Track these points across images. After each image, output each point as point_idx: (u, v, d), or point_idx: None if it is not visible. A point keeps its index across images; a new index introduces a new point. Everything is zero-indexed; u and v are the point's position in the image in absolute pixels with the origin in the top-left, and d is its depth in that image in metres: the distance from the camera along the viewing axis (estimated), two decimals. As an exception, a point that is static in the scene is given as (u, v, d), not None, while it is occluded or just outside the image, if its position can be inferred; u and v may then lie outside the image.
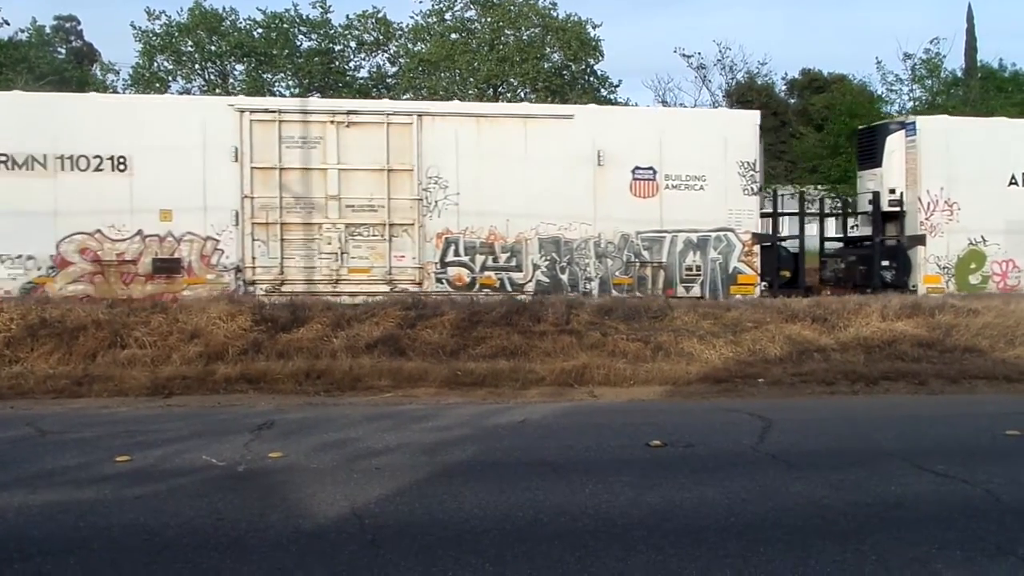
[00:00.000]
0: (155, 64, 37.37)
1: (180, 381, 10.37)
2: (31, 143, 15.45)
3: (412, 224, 16.44)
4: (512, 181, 16.55)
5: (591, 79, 39.93)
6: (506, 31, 37.87)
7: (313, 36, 38.77)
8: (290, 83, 38.27)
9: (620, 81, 44.41)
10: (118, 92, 36.52)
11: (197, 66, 38.18)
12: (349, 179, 16.23)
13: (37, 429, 8.05)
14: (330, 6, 37.96)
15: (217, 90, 36.79)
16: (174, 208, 15.77)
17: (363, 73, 40.01)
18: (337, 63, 39.13)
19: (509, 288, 16.41)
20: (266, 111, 16.31)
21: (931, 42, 37.78)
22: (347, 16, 45.55)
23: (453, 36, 38.04)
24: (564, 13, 38.65)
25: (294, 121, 16.22)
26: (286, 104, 17.34)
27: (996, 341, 12.44)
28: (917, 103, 36.75)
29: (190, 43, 37.30)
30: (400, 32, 39.61)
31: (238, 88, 37.07)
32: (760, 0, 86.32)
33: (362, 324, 12.15)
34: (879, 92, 39.17)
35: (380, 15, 39.05)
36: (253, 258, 16.07)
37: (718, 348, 11.91)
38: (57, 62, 40.74)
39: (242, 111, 16.11)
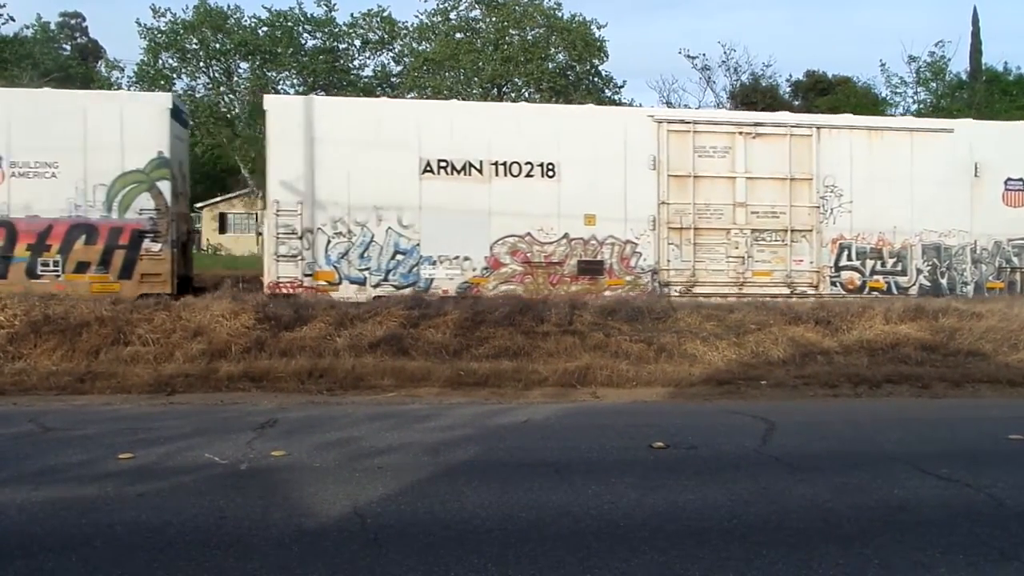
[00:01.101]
0: (160, 61, 37.44)
1: (183, 379, 10.38)
2: (469, 150, 16.22)
3: (810, 230, 17.29)
4: (898, 190, 17.39)
5: (595, 79, 39.98)
6: (511, 31, 37.92)
7: (318, 34, 38.85)
8: (294, 81, 38.32)
9: (624, 82, 44.54)
10: (121, 88, 36.56)
11: (202, 64, 38.23)
12: (754, 187, 17.10)
13: (40, 426, 8.05)
14: (335, 4, 38.15)
15: (221, 88, 36.80)
16: (597, 213, 16.57)
17: (367, 72, 40.05)
18: (342, 62, 39.18)
19: (895, 291, 17.36)
20: (681, 122, 17.17)
21: (936, 45, 37.90)
22: (352, 15, 45.65)
23: (458, 35, 38.11)
24: (569, 13, 38.78)
25: (706, 132, 17.04)
26: (699, 115, 18.31)
27: (1000, 345, 12.43)
28: (921, 106, 36.76)
29: (195, 41, 37.37)
30: (405, 31, 39.67)
31: (242, 86, 37.09)
32: (765, 1, 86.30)
33: (365, 323, 12.15)
34: (883, 95, 39.24)
35: (385, 14, 39.15)
36: (668, 261, 16.85)
37: (721, 350, 11.91)
38: (62, 59, 40.82)
39: (659, 122, 16.96)
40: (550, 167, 16.37)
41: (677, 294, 16.36)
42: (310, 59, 37.75)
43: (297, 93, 35.22)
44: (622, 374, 10.98)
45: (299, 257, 15.76)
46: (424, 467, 6.64)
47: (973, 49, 40.67)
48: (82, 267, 15.40)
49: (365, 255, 16.03)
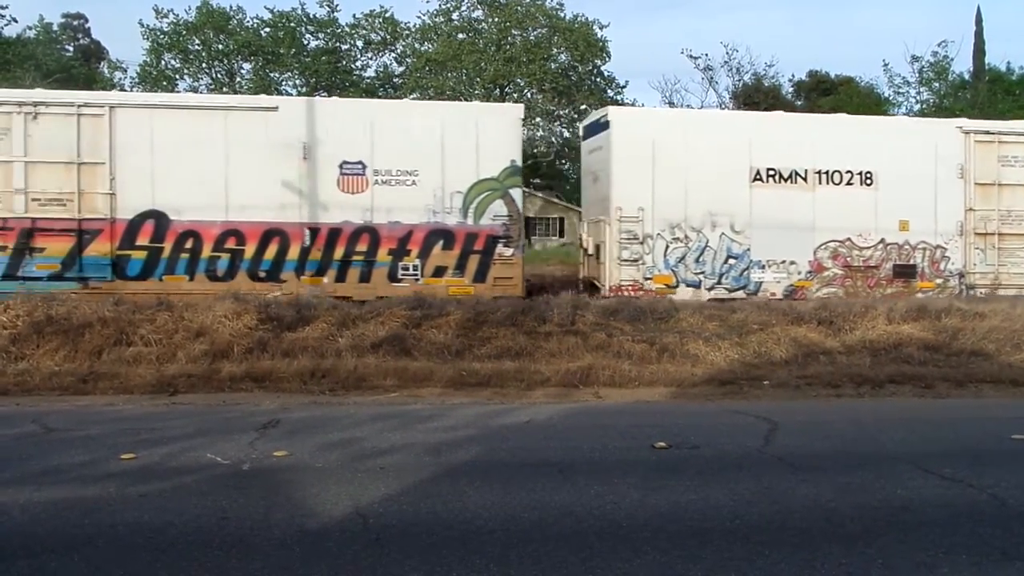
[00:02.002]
0: (162, 62, 37.48)
1: (185, 379, 10.38)
2: (794, 159, 16.93)
3: None
4: None
5: (598, 80, 40.00)
6: (513, 31, 37.96)
7: (320, 35, 38.88)
8: (297, 82, 38.34)
9: (627, 82, 44.56)
10: (124, 89, 36.59)
11: (204, 64, 38.28)
12: None
13: (42, 426, 8.06)
14: (337, 5, 38.25)
15: (224, 89, 36.84)
16: (910, 219, 17.31)
17: (370, 72, 40.09)
18: (344, 62, 39.22)
19: None
20: (987, 133, 17.81)
21: (939, 45, 37.90)
22: (354, 15, 45.72)
23: (460, 36, 38.15)
24: (571, 14, 38.84)
25: (1010, 143, 17.72)
26: (1003, 127, 18.60)
27: (1002, 345, 12.41)
28: (924, 105, 36.74)
29: (197, 42, 37.41)
30: (407, 32, 39.70)
31: (245, 86, 37.12)
32: (767, 2, 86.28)
33: (367, 323, 12.15)
34: (886, 94, 39.21)
35: (387, 15, 39.18)
36: (974, 264, 17.58)
37: (723, 350, 11.91)
38: (64, 59, 40.86)
39: (967, 133, 17.65)
40: (868, 175, 17.13)
41: (981, 295, 16.99)
42: (312, 60, 37.80)
43: (299, 94, 35.22)
44: (624, 374, 10.97)
45: (639, 261, 16.57)
46: (426, 467, 6.64)
47: (976, 49, 40.62)
48: (439, 271, 16.15)
49: (700, 260, 16.80)
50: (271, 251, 15.79)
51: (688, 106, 38.43)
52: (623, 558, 4.78)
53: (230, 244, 15.68)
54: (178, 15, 36.75)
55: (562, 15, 38.05)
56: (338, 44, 38.80)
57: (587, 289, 16.94)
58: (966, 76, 39.63)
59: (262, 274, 15.73)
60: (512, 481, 6.28)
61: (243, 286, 14.99)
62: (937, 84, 38.01)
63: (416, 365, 10.98)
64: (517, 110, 16.94)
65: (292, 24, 37.50)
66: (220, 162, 15.56)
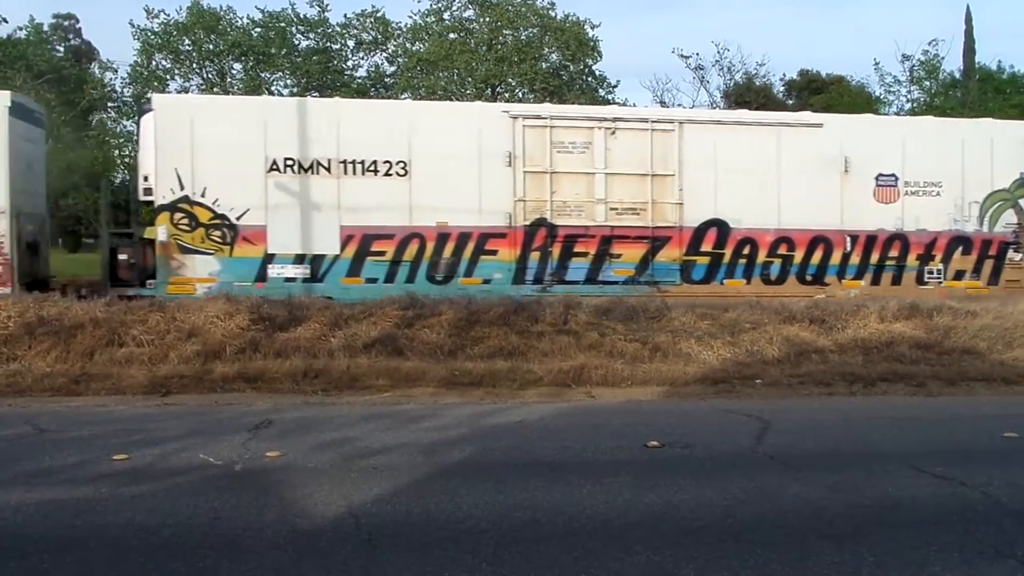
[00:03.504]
0: (153, 63, 37.36)
1: (178, 380, 10.35)
2: None
3: None
4: None
5: (589, 79, 39.98)
6: (504, 31, 37.91)
7: (311, 35, 38.76)
8: (288, 82, 38.26)
9: (618, 82, 44.49)
10: (116, 91, 36.53)
11: (195, 65, 38.17)
12: None
13: (34, 427, 8.04)
14: (328, 5, 37.99)
15: (215, 89, 36.76)
16: None
17: (361, 72, 40.02)
18: (335, 62, 39.11)
19: None
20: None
21: (929, 44, 37.86)
22: (345, 15, 45.52)
23: (451, 36, 38.07)
24: (562, 13, 38.72)
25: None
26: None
27: (994, 343, 12.44)
28: (915, 104, 36.83)
29: (188, 42, 37.28)
30: (398, 31, 39.62)
31: (236, 87, 37.05)
32: (758, 1, 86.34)
33: (360, 323, 12.13)
34: (877, 93, 39.28)
35: (378, 14, 39.08)
36: None
37: (716, 349, 11.91)
38: (55, 60, 40.68)
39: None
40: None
41: None
42: (304, 60, 37.68)
43: (292, 94, 35.15)
44: (617, 373, 10.97)
45: None
46: (419, 467, 6.64)
47: (966, 48, 40.68)
48: (959, 275, 17.73)
49: None
50: (816, 257, 17.16)
51: (680, 105, 38.45)
52: (615, 557, 4.79)
53: (782, 250, 17.06)
54: (168, 15, 36.62)
55: (553, 15, 38.04)
56: (329, 44, 38.69)
57: None
58: (957, 75, 39.72)
59: (809, 278, 17.16)
60: (505, 481, 6.28)
61: (792, 290, 16.60)
62: (928, 83, 38.09)
63: (409, 365, 10.97)
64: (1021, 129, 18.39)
65: (283, 24, 37.38)
66: (773, 174, 16.97)
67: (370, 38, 39.53)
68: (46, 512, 5.47)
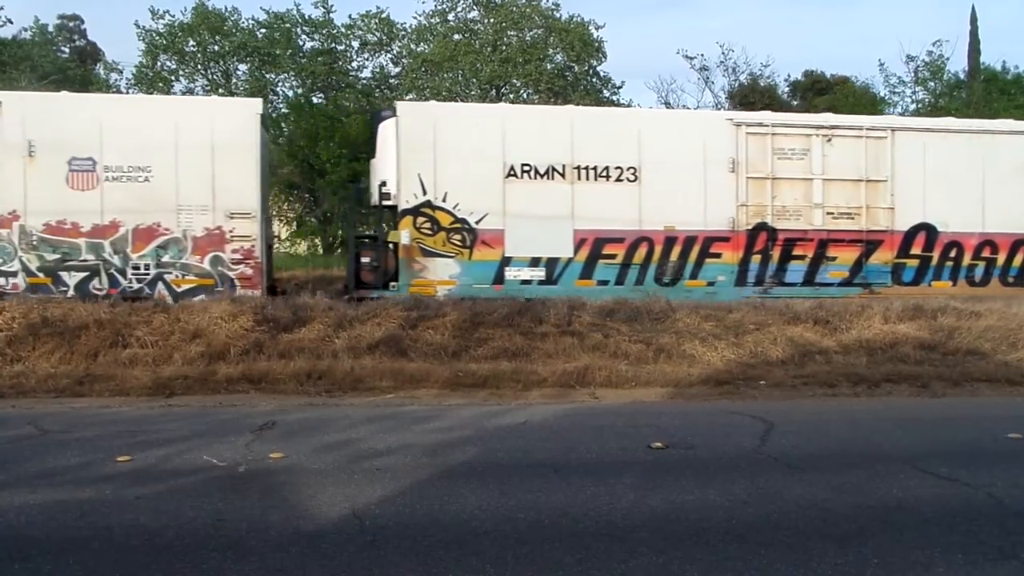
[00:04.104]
0: (158, 64, 37.41)
1: (181, 381, 10.36)
2: None
3: None
4: None
5: (594, 80, 39.94)
6: (509, 32, 37.89)
7: (316, 36, 38.75)
8: (293, 83, 38.27)
9: (623, 83, 44.38)
10: (120, 90, 36.57)
11: (200, 66, 38.21)
12: None
13: (38, 428, 8.05)
14: (332, 6, 37.95)
15: (220, 90, 36.79)
16: None
17: (366, 73, 40.02)
18: (340, 63, 39.10)
19: None
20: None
21: (934, 44, 37.87)
22: (350, 16, 45.47)
23: (456, 37, 38.06)
24: (567, 14, 38.69)
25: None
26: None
27: (998, 344, 12.42)
28: (919, 105, 36.77)
29: (193, 43, 37.32)
30: (403, 32, 39.61)
31: (241, 88, 37.09)
32: (763, 2, 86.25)
33: (364, 325, 12.14)
34: (882, 94, 39.21)
35: (383, 15, 39.06)
36: None
37: (720, 350, 11.90)
38: (60, 61, 40.76)
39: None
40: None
41: None
42: (308, 61, 37.67)
43: (296, 95, 35.17)
44: (621, 375, 10.97)
45: None
46: (423, 468, 6.64)
47: (971, 48, 40.58)
48: None
49: None
50: (1018, 259, 17.67)
51: (684, 106, 38.45)
52: (619, 559, 4.78)
53: (986, 253, 17.54)
54: (174, 16, 36.65)
55: (558, 15, 38.00)
56: (334, 45, 38.69)
57: None
58: (961, 76, 39.64)
59: (1010, 279, 17.62)
60: (508, 482, 6.28)
61: (995, 291, 17.10)
62: (932, 84, 38.01)
63: (412, 366, 10.97)
64: None
65: (288, 25, 37.40)
66: (978, 179, 17.43)
67: (375, 39, 39.52)
68: (49, 513, 5.47)
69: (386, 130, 16.27)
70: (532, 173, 16.13)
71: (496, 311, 12.70)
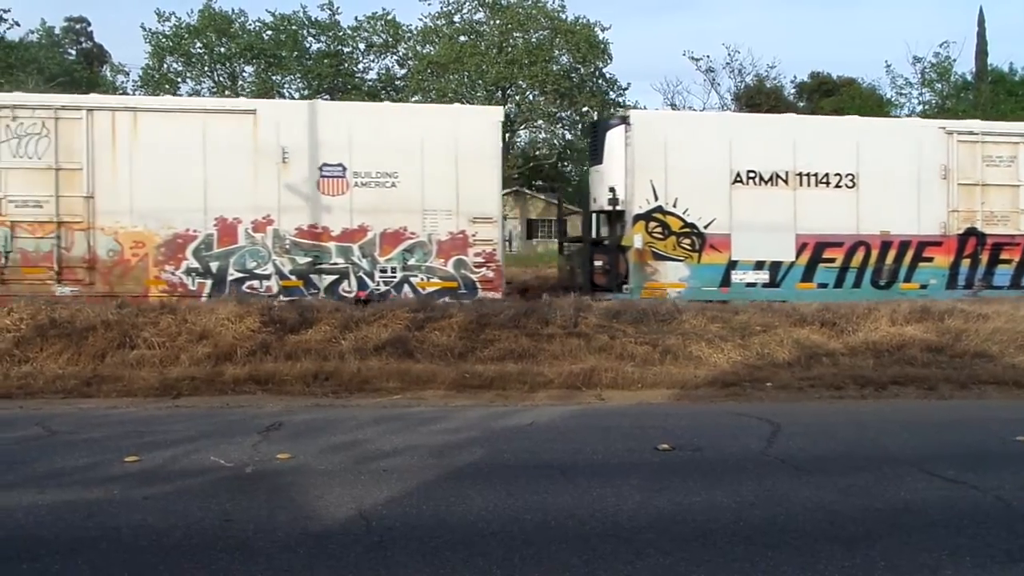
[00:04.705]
0: (164, 66, 37.50)
1: (189, 382, 10.38)
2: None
3: None
4: None
5: (599, 82, 39.98)
6: (515, 34, 37.95)
7: (322, 38, 38.85)
8: (299, 85, 38.35)
9: (629, 84, 44.44)
10: (128, 93, 36.63)
11: (206, 68, 38.30)
12: None
13: (46, 429, 8.07)
14: (339, 8, 38.10)
15: (226, 91, 36.85)
16: None
17: (372, 75, 40.10)
18: (346, 65, 39.21)
19: None
20: None
21: (941, 46, 37.82)
22: (356, 18, 45.65)
23: (462, 38, 38.13)
24: (573, 16, 38.77)
25: None
26: None
27: (1006, 346, 12.39)
28: (926, 107, 36.71)
29: (199, 45, 37.42)
30: (409, 34, 39.68)
31: (247, 90, 37.15)
32: (769, 3, 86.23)
33: (370, 326, 12.15)
34: (888, 96, 39.18)
35: (389, 17, 39.14)
36: None
37: (726, 352, 11.89)
38: (67, 63, 40.90)
39: None
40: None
41: None
42: (314, 63, 37.79)
43: (302, 97, 35.24)
44: (627, 376, 10.96)
45: None
46: (429, 470, 6.64)
47: (979, 50, 40.58)
48: None
49: None
50: None
51: (691, 108, 38.43)
52: (625, 560, 4.78)
53: None
54: (180, 18, 36.74)
55: (564, 17, 38.03)
56: (340, 47, 38.77)
57: None
58: (968, 77, 39.59)
59: None
60: (515, 483, 6.28)
61: None
62: (939, 85, 37.97)
63: (419, 367, 10.98)
64: None
65: (294, 27, 37.49)
66: None
67: (381, 41, 39.59)
68: (58, 513, 5.49)
69: (613, 138, 16.78)
70: (757, 179, 16.68)
71: (502, 312, 12.71)
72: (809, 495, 6.04)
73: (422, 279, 15.58)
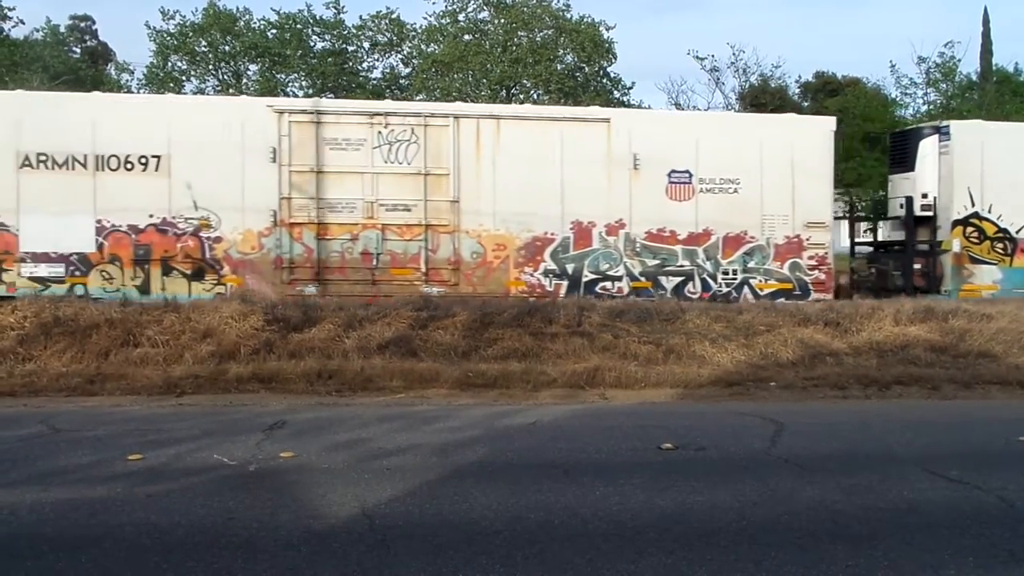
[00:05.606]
0: (169, 64, 37.50)
1: (192, 380, 10.39)
2: None
3: None
4: None
5: (604, 81, 39.90)
6: (519, 32, 37.86)
7: (327, 37, 38.80)
8: (303, 84, 38.34)
9: (633, 83, 44.23)
10: (132, 91, 36.66)
11: (211, 66, 38.29)
12: None
13: (50, 427, 8.08)
14: (343, 7, 38.00)
15: (231, 90, 36.87)
16: None
17: (376, 74, 40.06)
18: (351, 64, 39.15)
19: None
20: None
21: (946, 45, 37.63)
22: (360, 17, 45.47)
23: (466, 37, 38.06)
24: (577, 15, 38.64)
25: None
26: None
27: (1010, 346, 12.36)
28: (931, 107, 36.61)
29: (204, 43, 37.40)
30: (413, 33, 39.64)
31: (252, 88, 37.16)
32: (774, 2, 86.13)
33: (374, 324, 12.15)
34: (893, 96, 39.05)
35: (394, 16, 39.09)
36: None
37: (730, 351, 11.88)
38: (72, 61, 40.91)
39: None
40: None
41: None
42: (319, 61, 37.73)
43: (306, 95, 35.25)
44: (631, 375, 10.96)
45: None
46: (432, 468, 6.65)
47: (983, 50, 40.44)
48: None
49: None
50: None
51: (695, 107, 38.36)
52: (629, 559, 4.78)
53: None
54: (184, 17, 36.72)
55: (568, 16, 37.95)
56: (345, 45, 38.73)
57: None
58: (973, 77, 39.46)
59: None
60: (518, 482, 6.28)
61: None
62: (944, 85, 37.85)
63: (422, 366, 10.98)
64: None
65: (299, 26, 37.45)
66: None
67: (385, 39, 39.56)
68: (61, 512, 5.50)
69: (926, 147, 17.77)
70: None
71: (506, 311, 12.70)
72: (812, 495, 6.04)
73: (760, 280, 16.49)
